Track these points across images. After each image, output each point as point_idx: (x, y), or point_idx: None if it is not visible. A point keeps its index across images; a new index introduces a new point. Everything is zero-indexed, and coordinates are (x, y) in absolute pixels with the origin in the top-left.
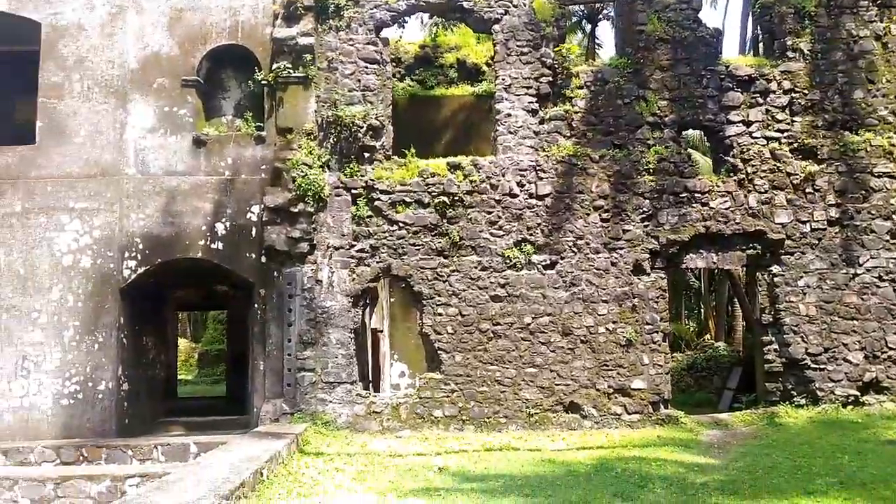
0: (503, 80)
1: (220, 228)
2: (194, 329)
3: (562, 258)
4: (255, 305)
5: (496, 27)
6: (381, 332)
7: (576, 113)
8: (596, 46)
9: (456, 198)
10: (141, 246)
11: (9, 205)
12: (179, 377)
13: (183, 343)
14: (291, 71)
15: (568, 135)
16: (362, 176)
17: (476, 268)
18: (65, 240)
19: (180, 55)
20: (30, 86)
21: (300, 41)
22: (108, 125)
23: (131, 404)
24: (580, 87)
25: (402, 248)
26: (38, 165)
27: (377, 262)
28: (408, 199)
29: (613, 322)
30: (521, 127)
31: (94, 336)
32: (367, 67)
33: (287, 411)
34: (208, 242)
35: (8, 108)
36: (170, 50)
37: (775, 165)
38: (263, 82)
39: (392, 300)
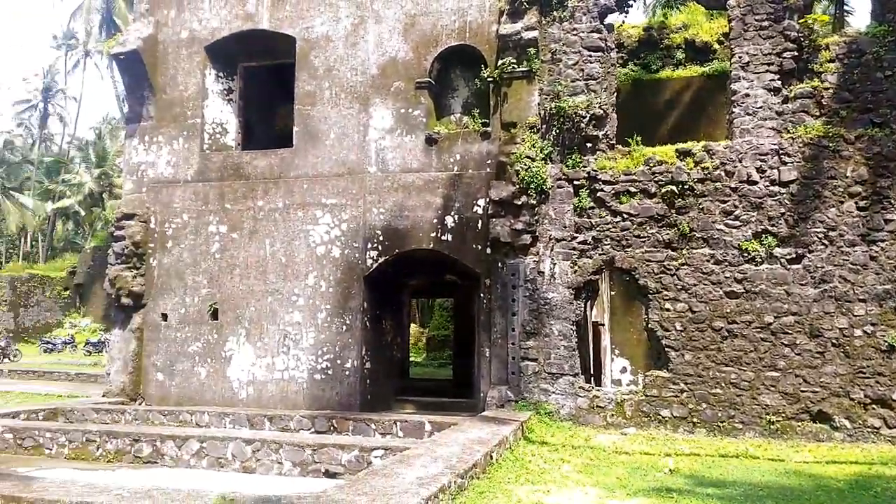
0: (740, 57)
1: (449, 221)
2: (422, 315)
3: (810, 251)
4: (481, 295)
5: (731, 2)
6: (602, 325)
7: (826, 89)
8: (845, 14)
9: (686, 186)
10: (381, 237)
11: (273, 201)
12: (410, 359)
13: (412, 328)
14: (516, 66)
15: (817, 114)
16: (584, 167)
17: (708, 261)
18: (318, 232)
19: (414, 59)
20: (286, 95)
21: (524, 35)
22: (353, 128)
23: (372, 382)
24: (830, 61)
25: (626, 239)
26: (296, 166)
27: (599, 255)
28: (632, 189)
29: (872, 324)
30: (760, 107)
31: (343, 318)
32: (590, 56)
33: (511, 398)
34: (438, 234)
35: (270, 116)
36: (405, 55)
37: None
38: (489, 79)
39: (613, 293)
